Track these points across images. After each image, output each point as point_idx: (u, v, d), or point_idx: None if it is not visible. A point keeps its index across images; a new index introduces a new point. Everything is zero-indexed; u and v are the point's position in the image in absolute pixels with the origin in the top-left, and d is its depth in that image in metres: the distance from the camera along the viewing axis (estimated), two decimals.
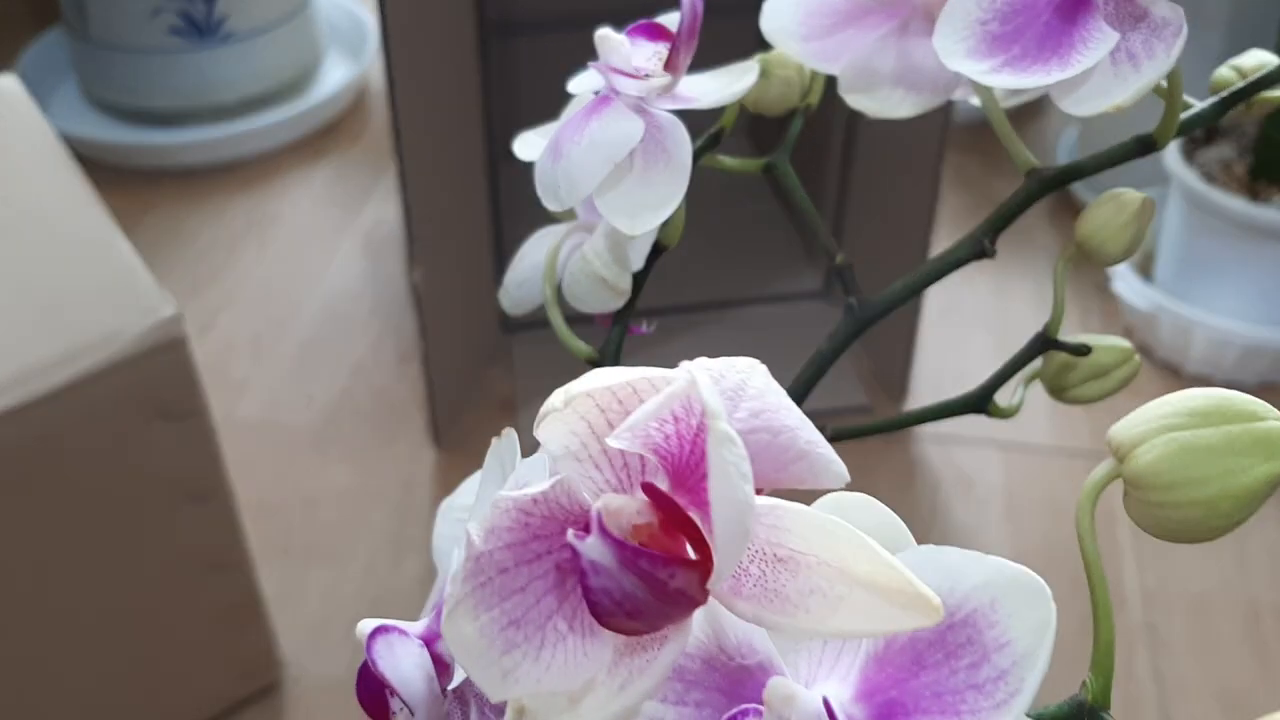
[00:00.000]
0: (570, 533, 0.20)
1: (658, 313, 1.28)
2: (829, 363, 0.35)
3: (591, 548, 0.20)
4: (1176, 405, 0.24)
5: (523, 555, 0.21)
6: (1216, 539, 0.24)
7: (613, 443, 0.21)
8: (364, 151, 1.48)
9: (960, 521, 1.02)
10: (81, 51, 1.45)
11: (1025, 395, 0.37)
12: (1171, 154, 1.12)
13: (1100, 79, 0.28)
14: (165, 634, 0.81)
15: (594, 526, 0.20)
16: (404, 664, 0.25)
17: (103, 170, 1.38)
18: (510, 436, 0.27)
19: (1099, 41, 0.28)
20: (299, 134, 1.48)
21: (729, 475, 0.19)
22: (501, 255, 1.10)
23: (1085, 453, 1.06)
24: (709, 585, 0.20)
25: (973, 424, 1.09)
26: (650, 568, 0.20)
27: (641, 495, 0.21)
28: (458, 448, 1.08)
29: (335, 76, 1.54)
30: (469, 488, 0.31)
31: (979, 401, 0.37)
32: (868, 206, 1.11)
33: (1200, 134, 1.15)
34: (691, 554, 0.20)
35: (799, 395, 0.34)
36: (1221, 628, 0.94)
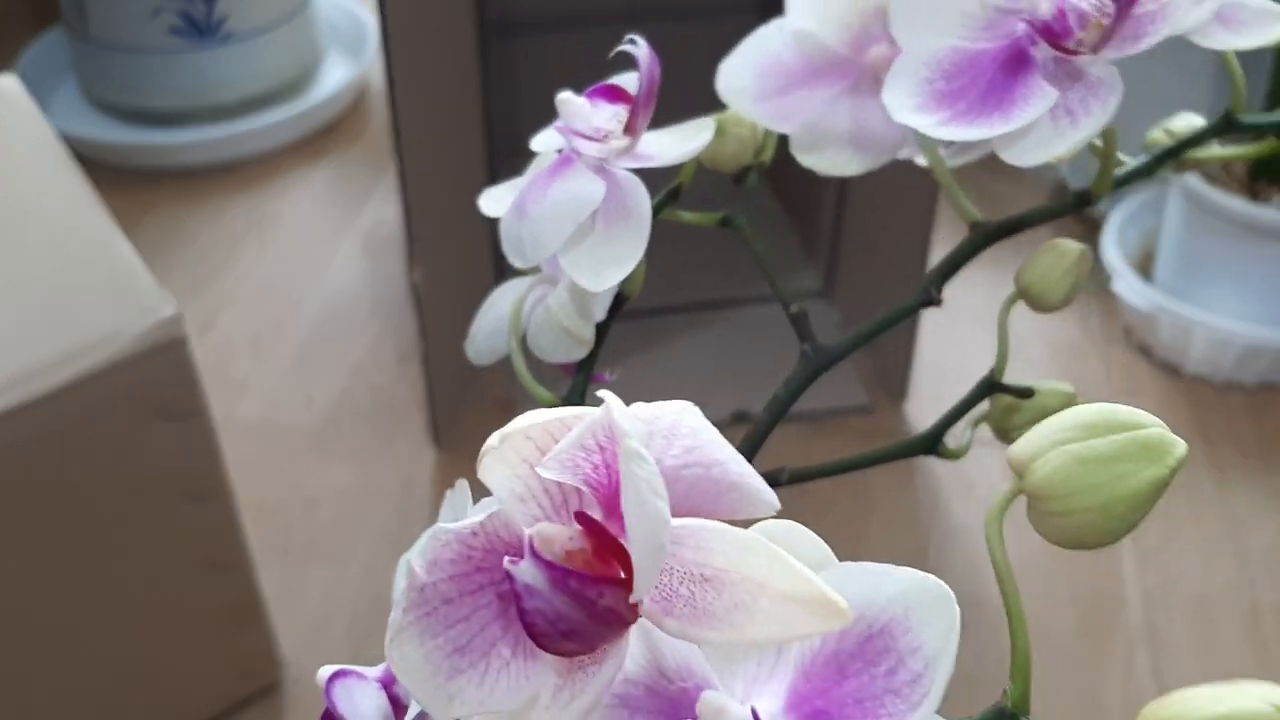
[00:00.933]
0: (506, 559, 0.21)
1: (658, 313, 1.29)
2: (785, 408, 0.36)
3: (524, 571, 0.21)
4: (1067, 420, 0.26)
5: (466, 586, 0.22)
6: (1114, 542, 0.26)
7: (542, 472, 0.22)
8: (364, 151, 1.48)
9: (960, 522, 1.02)
10: (81, 51, 1.45)
11: (971, 438, 0.39)
12: None
13: (1041, 133, 0.30)
14: (165, 634, 0.81)
15: (526, 551, 0.21)
16: (362, 706, 0.27)
17: (103, 170, 1.38)
18: (462, 487, 0.29)
19: (1039, 98, 0.30)
20: (299, 134, 1.48)
21: (640, 490, 0.20)
22: (501, 256, 1.10)
23: None
24: (633, 600, 0.21)
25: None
26: (579, 587, 0.21)
27: (575, 524, 0.22)
28: (458, 448, 1.08)
29: (335, 76, 1.54)
30: (447, 517, 0.32)
31: (929, 443, 0.38)
32: (867, 207, 1.11)
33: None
34: (623, 575, 0.21)
35: (759, 438, 0.36)
36: (1222, 628, 0.94)
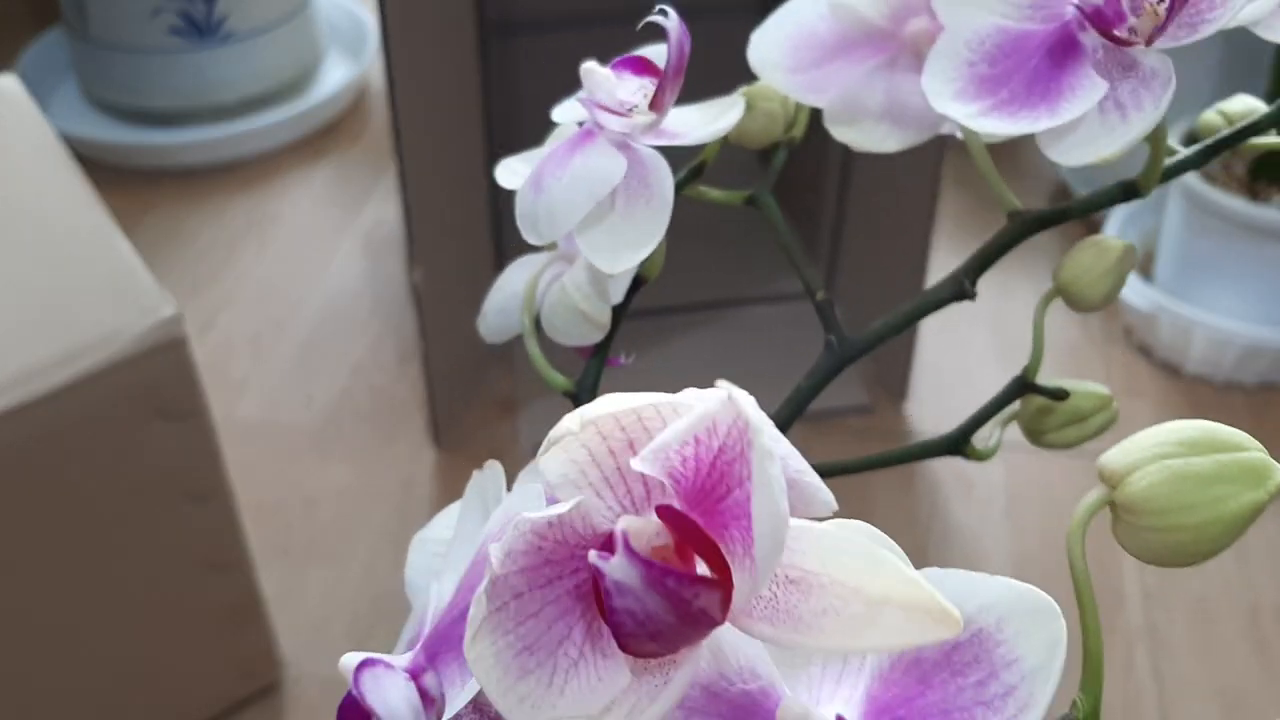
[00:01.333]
0: (593, 553, 0.20)
1: (658, 313, 1.29)
2: (808, 400, 0.35)
3: (617, 568, 0.20)
4: (1167, 435, 0.26)
5: (536, 580, 0.21)
6: (1201, 563, 0.26)
7: (637, 466, 0.20)
8: (364, 151, 1.48)
9: (960, 522, 1.02)
10: (81, 51, 1.45)
11: (1000, 438, 0.37)
12: None
13: (1088, 129, 0.28)
14: (165, 634, 0.81)
15: (619, 546, 0.20)
16: (392, 697, 0.25)
17: (103, 170, 1.38)
18: (494, 469, 0.27)
19: (1088, 90, 0.28)
20: (299, 134, 1.48)
21: (771, 488, 0.19)
22: (501, 255, 1.11)
23: (1085, 453, 1.06)
24: (734, 603, 0.20)
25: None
26: (676, 587, 0.20)
27: (656, 518, 0.21)
28: (458, 448, 1.08)
29: (335, 76, 1.54)
30: (444, 520, 0.31)
31: (956, 444, 0.37)
32: (868, 208, 1.11)
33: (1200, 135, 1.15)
34: (713, 575, 0.20)
35: (781, 428, 0.34)
36: (1221, 628, 0.94)
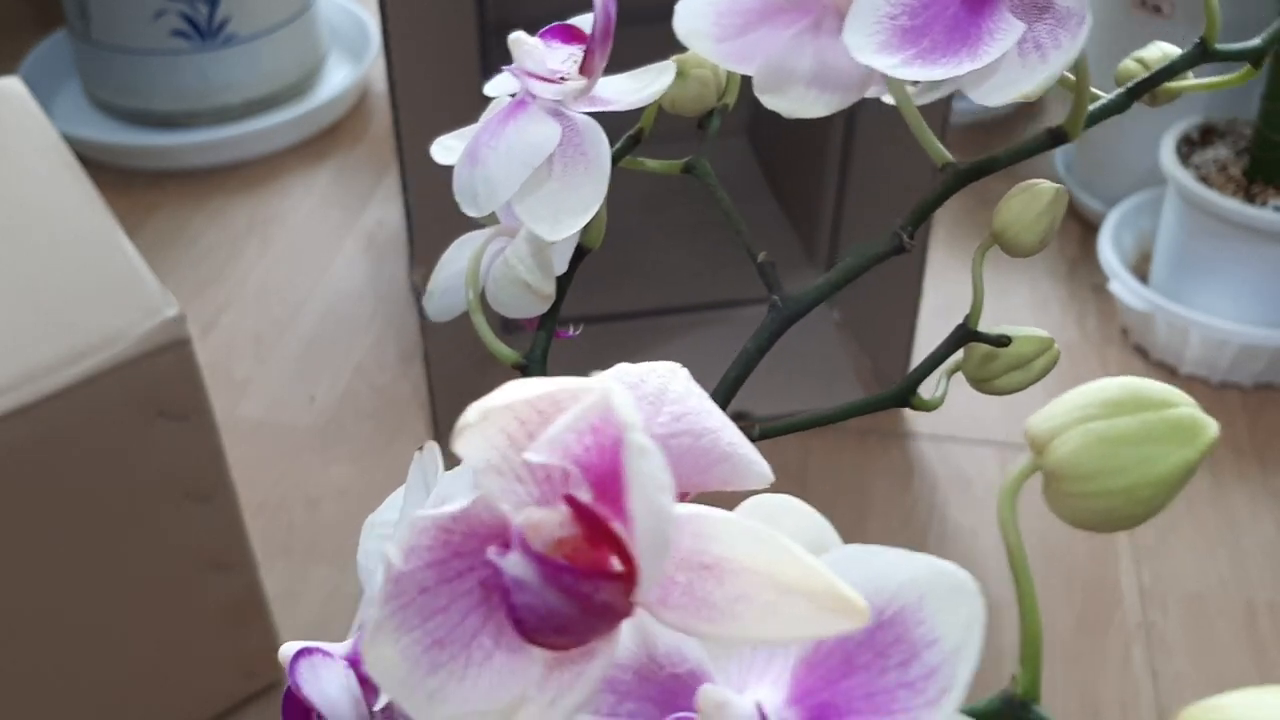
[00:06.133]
0: (491, 550, 0.20)
1: (658, 313, 1.29)
2: (755, 360, 0.35)
3: (513, 564, 0.19)
4: (1091, 396, 0.25)
5: (444, 573, 0.21)
6: (1137, 526, 0.25)
7: (530, 457, 0.20)
8: (366, 152, 1.49)
9: (958, 521, 1.02)
10: (84, 53, 1.46)
11: (946, 387, 0.37)
12: (1168, 155, 1.12)
13: (1009, 70, 0.29)
14: (167, 633, 0.82)
15: (515, 543, 0.20)
16: (329, 687, 0.25)
17: (106, 172, 1.38)
18: (431, 450, 0.27)
19: (1006, 32, 0.28)
20: (301, 135, 1.49)
21: (646, 487, 0.19)
22: None
23: None
24: (634, 598, 0.20)
25: (970, 424, 1.09)
26: (574, 582, 0.19)
27: (564, 508, 0.20)
28: None
29: (337, 78, 1.55)
30: (393, 503, 0.30)
31: (902, 395, 0.37)
32: (866, 208, 1.12)
33: (1197, 135, 1.16)
34: (617, 565, 0.20)
35: (728, 392, 0.34)
36: (1218, 625, 0.95)
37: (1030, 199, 0.34)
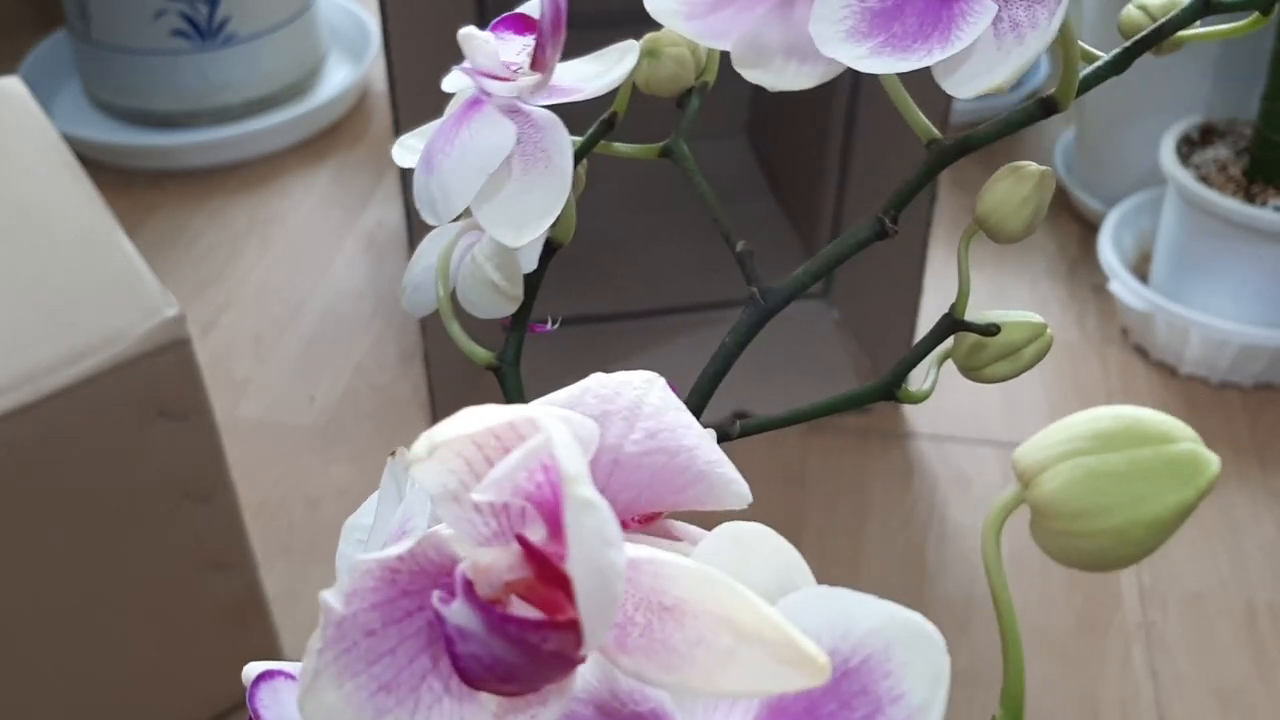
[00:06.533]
0: (435, 595, 0.19)
1: (657, 314, 1.29)
2: (734, 355, 0.33)
3: (457, 613, 0.18)
4: (1083, 427, 0.23)
5: (391, 614, 0.20)
6: (1128, 566, 0.23)
7: (477, 497, 0.19)
8: (366, 152, 1.49)
9: (957, 521, 1.02)
10: (84, 53, 1.46)
11: (936, 378, 0.36)
12: (1168, 155, 1.12)
13: (983, 54, 0.27)
14: (167, 633, 0.82)
15: (459, 590, 0.19)
16: (289, 710, 0.24)
17: (106, 172, 1.38)
18: (403, 456, 0.25)
19: (979, 13, 0.26)
20: (301, 135, 1.49)
21: (589, 544, 0.18)
22: None
23: None
24: (586, 646, 0.19)
25: (970, 423, 1.09)
26: (520, 632, 0.18)
27: (517, 547, 0.19)
28: None
29: (337, 78, 1.55)
30: (370, 507, 0.29)
31: (888, 388, 0.35)
32: (865, 208, 1.12)
33: (1197, 135, 1.16)
34: (570, 611, 0.19)
35: (707, 389, 0.33)
36: (1218, 626, 0.95)
37: (1015, 182, 0.32)
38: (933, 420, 1.10)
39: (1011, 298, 1.22)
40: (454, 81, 0.33)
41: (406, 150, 0.34)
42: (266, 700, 0.24)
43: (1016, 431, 1.08)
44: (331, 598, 0.19)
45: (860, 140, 1.09)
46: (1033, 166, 0.32)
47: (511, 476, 0.19)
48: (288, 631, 0.91)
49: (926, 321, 1.12)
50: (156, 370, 0.71)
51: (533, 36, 0.31)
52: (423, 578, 0.20)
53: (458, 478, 0.19)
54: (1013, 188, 0.32)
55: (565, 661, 0.19)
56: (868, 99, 1.06)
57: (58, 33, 1.56)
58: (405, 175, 1.00)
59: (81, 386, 0.69)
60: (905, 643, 0.20)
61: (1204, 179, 1.10)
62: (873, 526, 1.02)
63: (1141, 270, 1.20)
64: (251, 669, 0.24)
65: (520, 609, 0.19)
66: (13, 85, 0.88)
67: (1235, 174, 1.11)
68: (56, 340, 0.69)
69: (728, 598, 0.19)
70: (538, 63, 0.30)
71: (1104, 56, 0.32)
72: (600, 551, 0.18)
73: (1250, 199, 1.09)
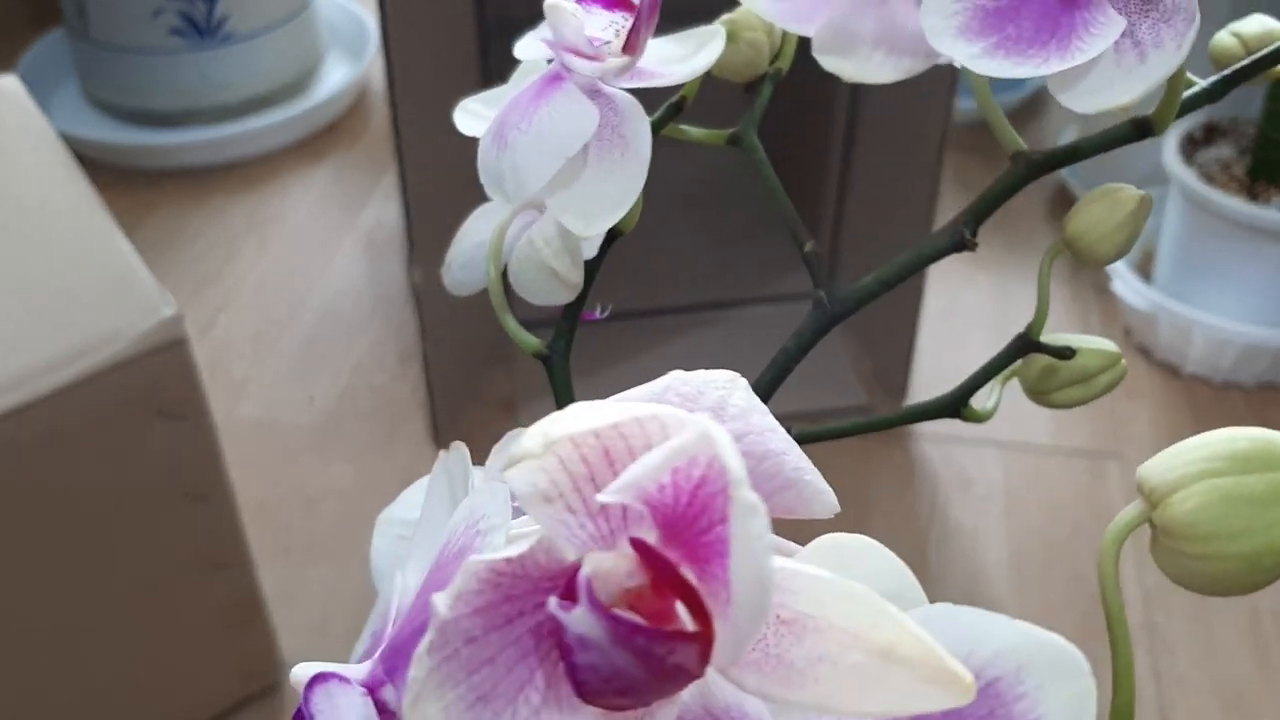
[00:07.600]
0: (553, 602, 0.18)
1: (658, 313, 1.29)
2: (794, 361, 0.32)
3: (579, 620, 0.17)
4: (1217, 448, 0.22)
5: (492, 620, 0.19)
6: (1250, 593, 0.22)
7: (603, 499, 0.18)
8: (364, 152, 1.48)
9: (959, 521, 1.02)
10: (82, 52, 1.46)
11: (1000, 397, 0.35)
12: (1170, 154, 1.12)
13: (1103, 71, 0.25)
14: (165, 634, 0.81)
15: (582, 596, 0.17)
16: (347, 716, 0.22)
17: (104, 171, 1.38)
18: (459, 451, 0.25)
19: (1104, 27, 0.25)
20: (300, 134, 1.48)
21: (753, 551, 0.17)
22: None
23: (1085, 452, 1.06)
24: (715, 660, 0.18)
25: (972, 424, 1.09)
26: (647, 644, 0.17)
27: (628, 550, 0.18)
28: None
29: (336, 77, 1.54)
30: (409, 499, 0.28)
31: (954, 405, 0.34)
32: (867, 207, 1.11)
33: (1199, 134, 1.15)
34: (687, 620, 0.18)
35: (763, 395, 0.31)
36: (1221, 628, 0.94)
37: (1111, 206, 0.31)
38: (934, 420, 1.10)
39: (1014, 296, 1.22)
40: (528, 48, 0.32)
41: (470, 116, 0.32)
42: (321, 705, 0.22)
43: (1018, 432, 1.07)
44: (439, 601, 0.18)
45: (861, 143, 1.09)
46: (1130, 190, 0.31)
47: (655, 476, 0.18)
48: (286, 632, 0.91)
49: (927, 322, 1.12)
50: (154, 370, 0.71)
51: (621, 14, 0.29)
52: (527, 583, 0.19)
53: (549, 477, 0.18)
54: (1108, 211, 0.31)
55: (685, 675, 0.18)
56: (869, 101, 1.05)
57: (55, 31, 1.55)
58: (404, 174, 0.99)
59: (79, 386, 0.68)
60: (1040, 664, 0.19)
61: (1207, 178, 1.10)
62: (874, 526, 1.01)
63: (1144, 270, 1.20)
64: (303, 670, 0.22)
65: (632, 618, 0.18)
66: (10, 84, 0.88)
67: (1238, 173, 1.11)
68: (54, 340, 0.69)
69: (865, 612, 0.18)
70: (631, 45, 0.29)
71: (1200, 83, 0.30)
72: (763, 559, 0.17)
73: (1253, 198, 1.08)
